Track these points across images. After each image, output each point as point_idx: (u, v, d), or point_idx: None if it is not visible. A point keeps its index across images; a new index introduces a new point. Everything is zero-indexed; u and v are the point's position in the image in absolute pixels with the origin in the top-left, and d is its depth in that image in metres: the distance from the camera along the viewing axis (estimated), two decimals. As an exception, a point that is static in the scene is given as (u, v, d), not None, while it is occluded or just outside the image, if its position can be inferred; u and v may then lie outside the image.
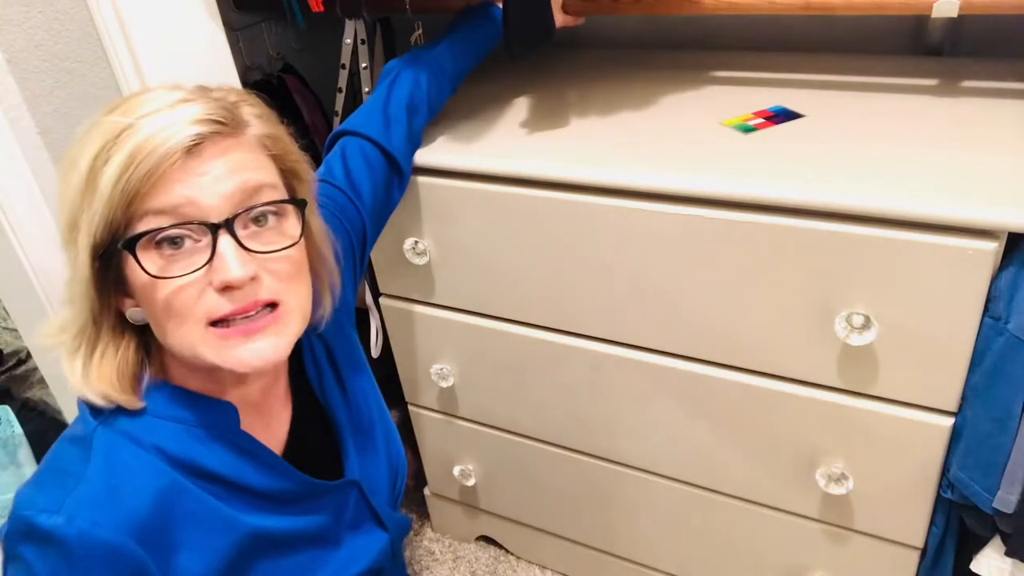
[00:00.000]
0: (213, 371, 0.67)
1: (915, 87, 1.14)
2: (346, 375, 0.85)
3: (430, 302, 1.29)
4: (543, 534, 1.52)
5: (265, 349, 0.65)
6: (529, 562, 1.60)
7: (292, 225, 0.67)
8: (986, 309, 0.88)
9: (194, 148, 0.60)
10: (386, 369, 1.30)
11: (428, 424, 1.49)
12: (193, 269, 0.62)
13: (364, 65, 1.41)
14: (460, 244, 1.18)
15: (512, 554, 1.62)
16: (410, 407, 1.49)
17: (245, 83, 1.46)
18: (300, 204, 0.68)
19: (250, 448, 0.71)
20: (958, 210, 0.83)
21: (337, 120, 1.47)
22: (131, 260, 0.61)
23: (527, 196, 1.08)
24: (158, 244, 0.61)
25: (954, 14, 1.00)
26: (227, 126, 0.63)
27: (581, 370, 1.21)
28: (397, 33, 1.47)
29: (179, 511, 0.65)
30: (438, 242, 1.20)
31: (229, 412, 0.69)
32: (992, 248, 0.83)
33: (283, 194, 0.68)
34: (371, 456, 0.85)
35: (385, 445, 0.88)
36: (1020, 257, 0.85)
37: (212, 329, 0.64)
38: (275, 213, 0.66)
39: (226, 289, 0.62)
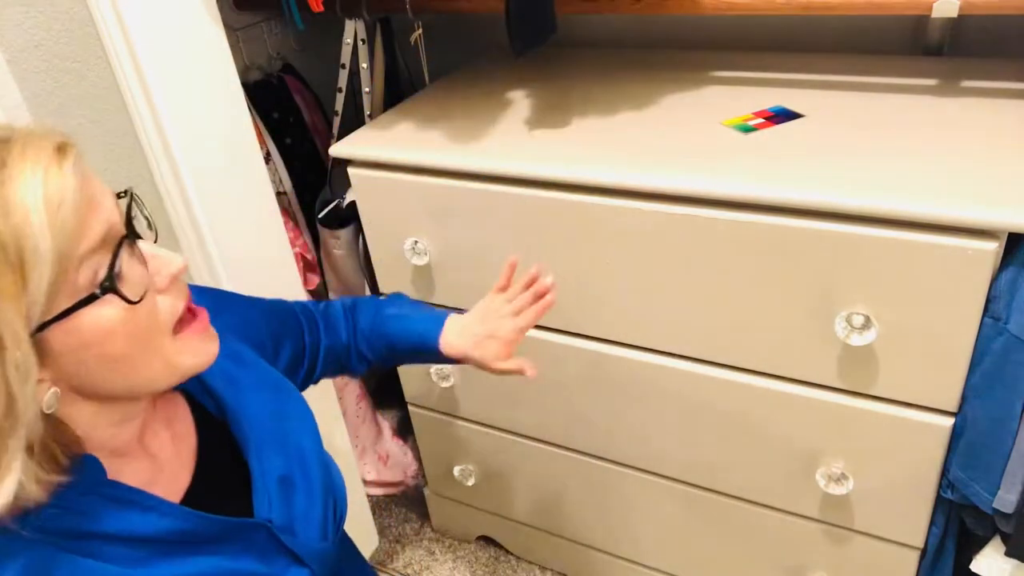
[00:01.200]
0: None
1: (915, 87, 1.14)
2: (253, 388, 0.81)
3: (430, 302, 1.29)
4: (543, 534, 1.52)
5: (214, 344, 0.65)
6: (529, 562, 1.60)
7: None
8: (986, 309, 0.88)
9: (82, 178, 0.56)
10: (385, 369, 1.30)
11: (428, 424, 1.49)
12: (143, 283, 0.58)
13: (364, 65, 1.41)
14: (460, 244, 1.18)
15: (512, 554, 1.62)
16: (410, 407, 1.49)
17: (245, 83, 1.46)
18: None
19: (123, 496, 0.64)
20: (958, 210, 0.83)
21: (337, 120, 1.47)
22: (91, 312, 0.55)
23: (527, 196, 1.08)
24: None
25: (954, 14, 1.00)
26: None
27: (581, 370, 1.21)
28: (397, 33, 1.47)
29: None
30: (438, 242, 1.20)
31: (91, 465, 0.62)
32: (992, 248, 0.83)
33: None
34: (295, 484, 0.79)
35: (320, 473, 0.82)
36: (1020, 257, 0.85)
37: (179, 335, 0.62)
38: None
39: (168, 287, 0.61)
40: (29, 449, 0.54)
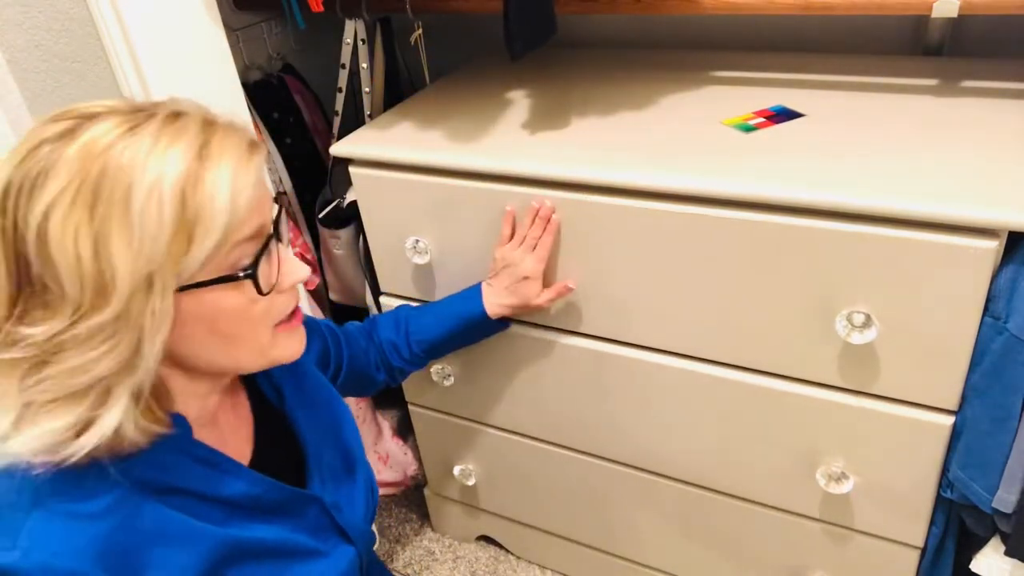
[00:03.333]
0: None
1: (915, 87, 1.14)
2: (311, 390, 0.87)
3: (430, 301, 1.29)
4: (543, 534, 1.52)
5: (303, 340, 0.72)
6: (529, 562, 1.60)
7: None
8: (986, 308, 0.88)
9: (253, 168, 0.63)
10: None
11: (428, 424, 1.49)
12: (272, 279, 0.65)
13: (364, 65, 1.41)
14: (460, 244, 1.18)
15: (512, 554, 1.62)
16: (410, 407, 1.49)
17: (245, 83, 1.46)
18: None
19: (207, 457, 0.69)
20: (958, 209, 0.83)
21: (337, 120, 1.47)
22: (225, 290, 0.62)
23: (527, 196, 1.08)
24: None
25: (954, 14, 1.00)
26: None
27: (581, 369, 1.21)
28: (397, 33, 1.47)
29: (141, 530, 0.63)
30: (438, 241, 1.20)
31: (179, 423, 0.67)
32: (992, 247, 0.84)
33: None
34: (342, 472, 0.85)
35: (362, 464, 0.89)
36: (1020, 257, 0.85)
37: (278, 329, 0.69)
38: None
39: (288, 290, 0.68)
40: (136, 395, 0.60)
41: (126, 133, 0.58)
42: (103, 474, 0.61)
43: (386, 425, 1.80)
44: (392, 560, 1.65)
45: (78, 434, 0.58)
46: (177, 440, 0.66)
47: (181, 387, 0.67)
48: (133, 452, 0.62)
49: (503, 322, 1.15)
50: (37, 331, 0.56)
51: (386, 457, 1.78)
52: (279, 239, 0.67)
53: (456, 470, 1.51)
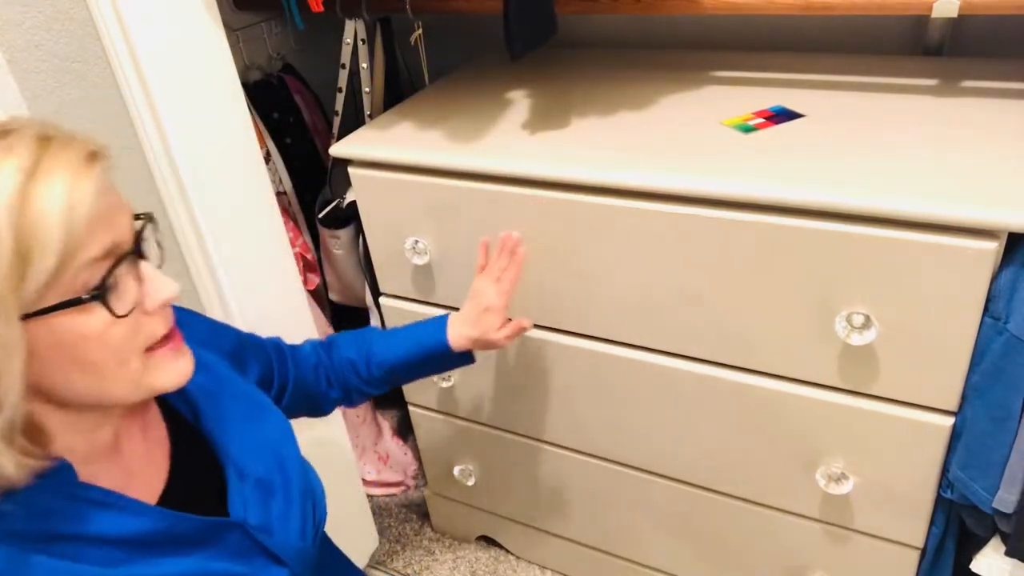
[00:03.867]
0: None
1: (915, 87, 1.14)
2: (236, 405, 0.83)
3: (430, 301, 1.29)
4: (543, 534, 1.52)
5: (189, 364, 0.67)
6: (529, 562, 1.60)
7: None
8: (986, 309, 0.88)
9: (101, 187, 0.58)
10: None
11: (428, 424, 1.49)
12: (133, 300, 0.60)
13: (364, 65, 1.41)
14: (460, 244, 1.18)
15: (512, 554, 1.62)
16: (410, 407, 1.49)
17: (245, 83, 1.46)
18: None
19: (98, 498, 0.65)
20: (958, 210, 0.83)
21: (337, 120, 1.47)
22: (75, 314, 0.58)
23: (527, 196, 1.08)
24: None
25: (954, 14, 1.00)
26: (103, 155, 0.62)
27: (581, 370, 1.21)
28: (397, 33, 1.47)
29: None
30: (438, 242, 1.20)
31: (62, 466, 0.62)
32: (992, 248, 0.83)
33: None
34: (273, 489, 0.81)
35: (298, 476, 0.84)
36: (1020, 257, 0.85)
37: (150, 354, 0.64)
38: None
39: (155, 311, 0.63)
40: (7, 436, 0.56)
41: None
42: None
43: (386, 425, 1.80)
44: (392, 560, 1.65)
45: None
46: (60, 484, 0.62)
47: (58, 424, 0.62)
48: (12, 496, 0.58)
49: (466, 356, 1.09)
50: None
51: (386, 457, 1.78)
52: (141, 255, 0.63)
53: (456, 470, 1.51)
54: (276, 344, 1.02)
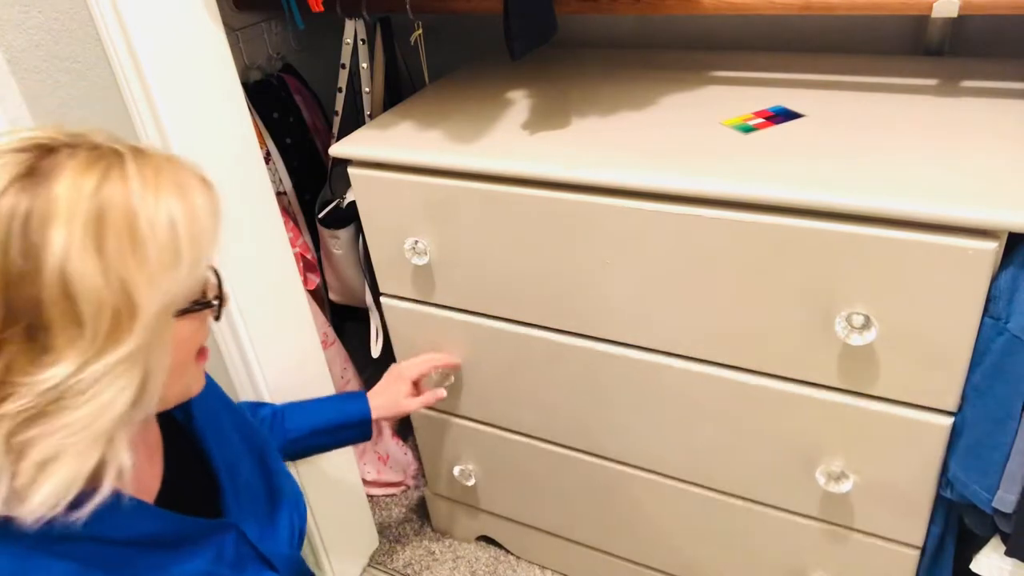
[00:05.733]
0: None
1: (915, 87, 1.14)
2: (223, 415, 0.86)
3: (430, 302, 1.29)
4: (543, 534, 1.52)
5: (204, 378, 0.73)
6: (529, 562, 1.60)
7: None
8: (986, 309, 0.88)
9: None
10: (385, 370, 1.30)
11: (428, 424, 1.49)
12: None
13: (364, 65, 1.41)
14: (460, 244, 1.18)
15: (512, 554, 1.62)
16: (410, 407, 1.49)
17: (245, 83, 1.46)
18: None
19: (111, 499, 0.64)
20: (958, 210, 0.83)
21: (337, 120, 1.47)
22: (191, 316, 0.64)
23: (527, 196, 1.08)
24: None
25: (954, 14, 1.00)
26: None
27: (581, 370, 1.21)
28: (397, 33, 1.47)
29: None
30: (438, 242, 1.20)
31: None
32: (992, 248, 0.83)
33: None
34: (263, 496, 0.83)
35: (286, 484, 0.87)
36: (1020, 257, 0.85)
37: (196, 359, 0.69)
38: None
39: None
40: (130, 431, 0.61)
41: (108, 172, 0.57)
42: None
43: (386, 425, 1.80)
44: (392, 560, 1.65)
45: (93, 481, 0.58)
46: None
47: None
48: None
49: (367, 428, 1.17)
50: (41, 378, 0.53)
51: (386, 457, 1.78)
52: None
53: (456, 470, 1.51)
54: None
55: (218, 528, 0.74)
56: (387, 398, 1.16)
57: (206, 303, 0.65)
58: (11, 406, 0.53)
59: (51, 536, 0.60)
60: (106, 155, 0.58)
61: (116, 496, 0.65)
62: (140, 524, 0.67)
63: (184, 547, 0.71)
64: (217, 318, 0.67)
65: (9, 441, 0.54)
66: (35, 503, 0.55)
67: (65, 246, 0.53)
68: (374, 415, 1.16)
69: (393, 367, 1.19)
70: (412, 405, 1.17)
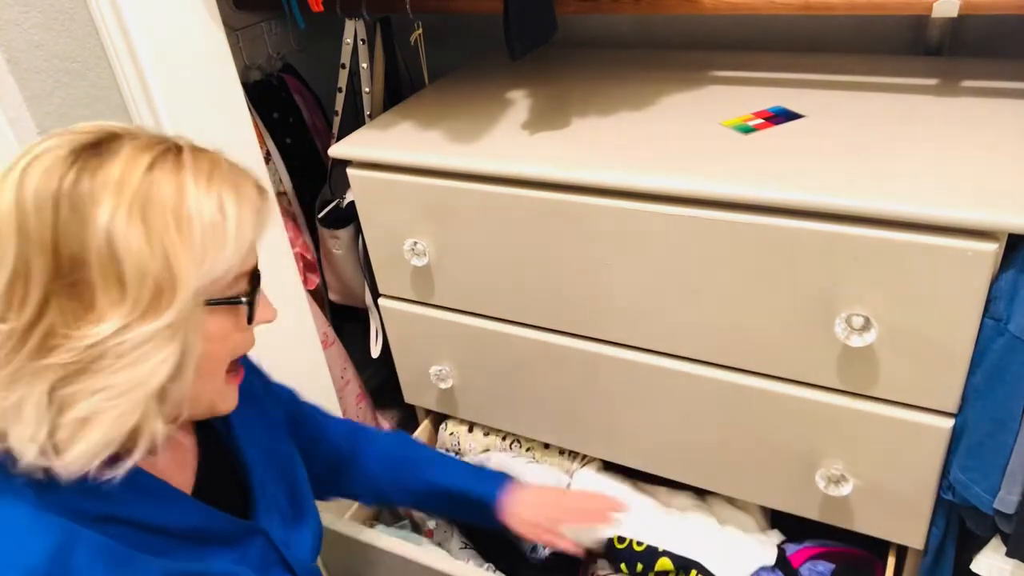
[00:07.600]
0: None
1: (915, 87, 1.14)
2: (260, 425, 0.85)
3: (429, 303, 1.29)
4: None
5: (236, 396, 0.72)
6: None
7: None
8: (986, 310, 0.88)
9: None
10: (385, 370, 1.30)
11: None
12: (256, 312, 0.68)
13: (364, 65, 1.41)
14: (460, 244, 1.18)
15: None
16: (410, 406, 1.49)
17: (245, 83, 1.46)
18: None
19: (149, 485, 0.68)
20: (958, 211, 0.83)
21: (337, 120, 1.47)
22: (224, 311, 0.65)
23: (527, 196, 1.08)
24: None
25: (954, 14, 0.99)
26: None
27: (580, 371, 1.21)
28: (397, 33, 1.47)
29: (80, 562, 0.60)
30: (437, 242, 1.20)
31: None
32: (992, 249, 0.83)
33: None
34: (289, 508, 0.83)
35: (309, 499, 0.87)
36: (1020, 258, 0.85)
37: (227, 375, 0.69)
38: None
39: (250, 329, 0.69)
40: (162, 406, 0.61)
41: (164, 155, 0.61)
42: (36, 508, 0.60)
43: (386, 425, 1.80)
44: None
45: (128, 444, 0.60)
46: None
47: None
48: (60, 485, 0.60)
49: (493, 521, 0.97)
50: (86, 333, 0.56)
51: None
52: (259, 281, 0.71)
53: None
54: (312, 405, 1.01)
55: (248, 530, 0.76)
56: (532, 516, 0.95)
57: (236, 299, 0.65)
58: (57, 358, 0.56)
59: (101, 515, 0.63)
60: (166, 142, 0.62)
61: (156, 482, 0.68)
62: (177, 514, 0.69)
63: (212, 545, 0.72)
64: (249, 321, 0.67)
65: (52, 394, 0.57)
66: (70, 457, 0.57)
67: (112, 210, 0.56)
68: (506, 520, 0.96)
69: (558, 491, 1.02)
70: (528, 534, 0.96)
